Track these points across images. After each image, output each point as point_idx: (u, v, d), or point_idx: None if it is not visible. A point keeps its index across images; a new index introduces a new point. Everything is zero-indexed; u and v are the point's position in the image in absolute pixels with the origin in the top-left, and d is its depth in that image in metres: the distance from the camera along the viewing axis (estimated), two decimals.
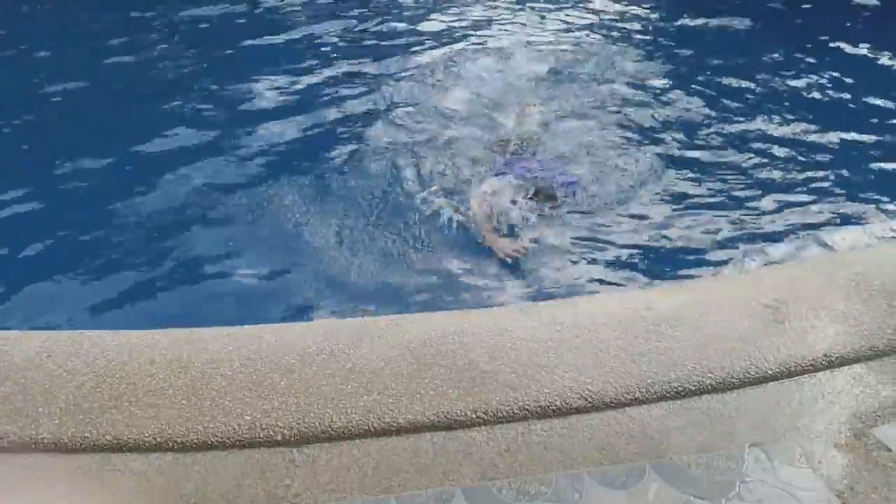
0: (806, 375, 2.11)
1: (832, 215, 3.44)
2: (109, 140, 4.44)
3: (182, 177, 3.95)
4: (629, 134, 4.35)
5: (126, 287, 3.09)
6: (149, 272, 3.19)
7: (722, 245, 3.20)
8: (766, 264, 2.96)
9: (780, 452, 1.85)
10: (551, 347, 2.17)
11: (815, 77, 5.07)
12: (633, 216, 3.55)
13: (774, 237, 3.27)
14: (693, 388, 2.05)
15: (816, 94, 4.88)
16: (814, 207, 3.49)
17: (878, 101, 4.70)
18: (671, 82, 5.11)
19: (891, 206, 3.50)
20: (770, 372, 2.10)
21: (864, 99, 4.76)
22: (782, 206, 3.50)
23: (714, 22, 6.10)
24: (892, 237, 3.02)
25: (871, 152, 4.11)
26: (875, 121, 4.47)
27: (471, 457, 1.85)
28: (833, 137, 4.23)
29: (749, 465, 1.82)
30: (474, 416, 1.95)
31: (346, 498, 1.74)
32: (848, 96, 4.84)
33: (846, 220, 3.40)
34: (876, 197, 3.58)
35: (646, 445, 1.88)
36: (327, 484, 1.78)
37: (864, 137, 4.23)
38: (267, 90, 5.11)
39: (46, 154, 4.27)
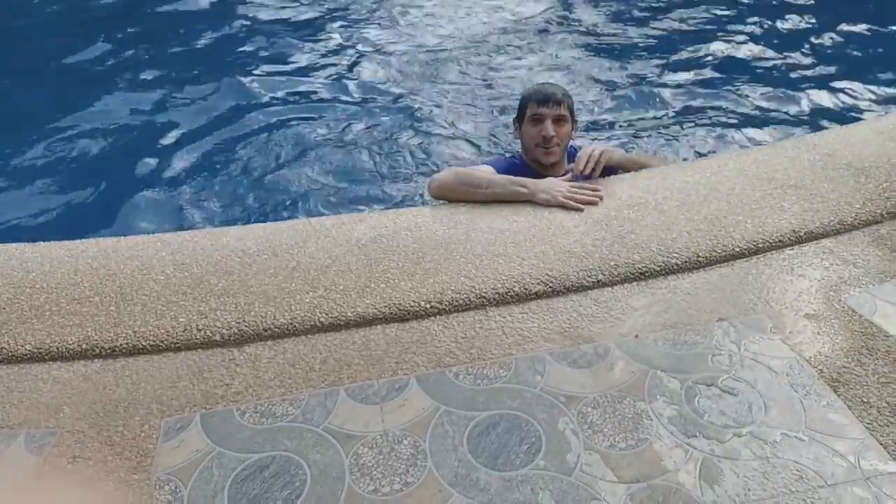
0: (774, 252, 2.02)
1: (797, 102, 3.34)
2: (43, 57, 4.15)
3: (113, 87, 3.69)
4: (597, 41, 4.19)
5: (50, 203, 2.88)
6: (77, 188, 2.97)
7: (684, 135, 3.09)
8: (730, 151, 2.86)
9: (750, 325, 1.76)
10: (509, 238, 2.05)
11: None
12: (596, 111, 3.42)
13: (737, 126, 3.17)
14: (658, 269, 1.95)
15: None
16: (777, 96, 3.39)
17: None
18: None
19: (856, 91, 3.42)
20: (737, 250, 2.00)
21: None
22: (744, 95, 3.40)
23: None
24: (857, 119, 2.93)
25: (840, 41, 4.00)
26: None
27: (425, 346, 1.73)
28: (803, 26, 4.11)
29: (718, 338, 1.73)
30: (428, 306, 1.82)
31: (291, 393, 1.61)
32: None
33: (812, 107, 3.31)
34: (843, 82, 3.49)
35: (610, 326, 1.78)
36: (271, 380, 1.64)
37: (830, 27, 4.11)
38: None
39: None
